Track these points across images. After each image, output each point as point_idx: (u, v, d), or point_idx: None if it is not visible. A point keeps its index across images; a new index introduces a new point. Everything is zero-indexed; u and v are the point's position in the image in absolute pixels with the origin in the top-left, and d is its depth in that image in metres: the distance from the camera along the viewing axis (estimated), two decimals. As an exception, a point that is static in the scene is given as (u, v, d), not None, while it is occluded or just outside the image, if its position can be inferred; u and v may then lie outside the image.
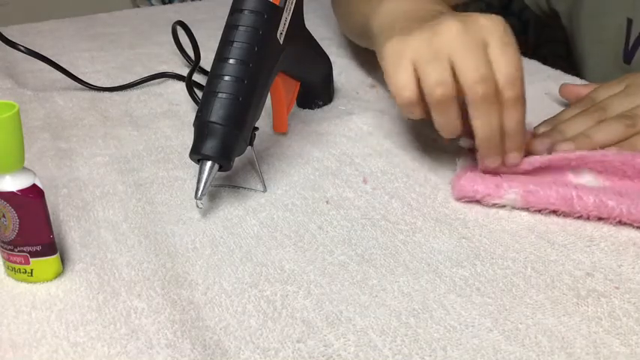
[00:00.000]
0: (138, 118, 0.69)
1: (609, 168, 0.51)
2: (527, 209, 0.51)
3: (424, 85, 0.49)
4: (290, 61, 0.58)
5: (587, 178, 0.52)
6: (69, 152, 0.62)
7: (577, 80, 0.74)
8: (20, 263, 0.44)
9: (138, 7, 1.51)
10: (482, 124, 0.49)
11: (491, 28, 0.49)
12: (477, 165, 0.53)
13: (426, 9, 0.57)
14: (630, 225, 0.49)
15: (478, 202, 0.52)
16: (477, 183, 0.51)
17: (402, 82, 0.50)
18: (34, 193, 0.42)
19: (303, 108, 0.70)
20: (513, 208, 0.51)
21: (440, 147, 0.58)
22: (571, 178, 0.52)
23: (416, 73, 0.50)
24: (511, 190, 0.50)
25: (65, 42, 0.93)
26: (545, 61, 0.79)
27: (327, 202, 0.53)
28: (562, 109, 0.61)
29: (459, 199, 0.52)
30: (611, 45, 0.76)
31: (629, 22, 0.73)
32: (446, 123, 0.51)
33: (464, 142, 0.55)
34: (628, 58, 0.74)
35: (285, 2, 0.55)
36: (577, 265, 0.45)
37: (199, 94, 0.71)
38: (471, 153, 0.54)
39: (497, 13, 0.51)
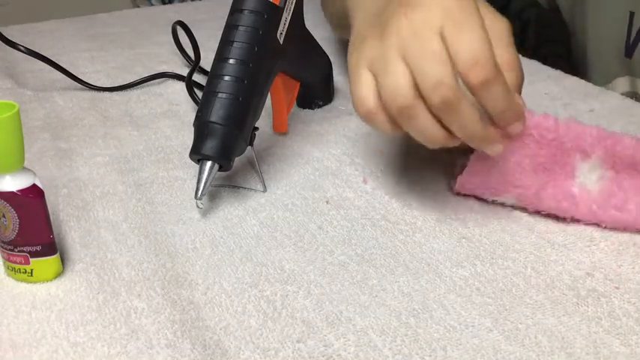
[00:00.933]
0: (138, 118, 0.69)
1: (619, 153, 0.49)
2: (526, 209, 0.51)
3: (383, 98, 0.45)
4: (290, 61, 0.58)
5: (592, 164, 0.50)
6: (69, 152, 0.62)
7: (577, 80, 0.74)
8: (20, 263, 0.44)
9: (138, 7, 1.51)
10: (455, 128, 0.44)
11: (444, 10, 0.43)
12: (478, 160, 0.52)
13: None
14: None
15: (478, 199, 0.52)
16: (477, 177, 0.51)
17: (359, 94, 0.46)
18: (34, 193, 0.42)
19: (303, 108, 0.70)
20: (512, 206, 0.51)
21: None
22: (576, 164, 0.50)
23: (376, 83, 0.45)
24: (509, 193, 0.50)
25: (65, 42, 0.93)
26: (545, 61, 0.78)
27: (327, 202, 0.53)
28: (562, 108, 0.61)
29: (458, 193, 0.52)
30: (613, 39, 0.75)
31: (632, 15, 0.73)
32: (418, 133, 0.45)
33: None
34: (629, 52, 0.74)
35: (285, 2, 0.55)
36: (577, 265, 0.45)
37: (199, 94, 0.71)
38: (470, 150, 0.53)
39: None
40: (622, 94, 0.73)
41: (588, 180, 0.50)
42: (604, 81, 0.76)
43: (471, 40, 0.42)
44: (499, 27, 0.46)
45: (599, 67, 0.80)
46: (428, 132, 0.44)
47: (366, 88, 0.45)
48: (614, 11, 0.75)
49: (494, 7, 0.49)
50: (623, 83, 0.77)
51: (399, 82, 0.43)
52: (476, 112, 0.44)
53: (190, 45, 0.81)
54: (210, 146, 0.51)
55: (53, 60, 0.75)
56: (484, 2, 0.48)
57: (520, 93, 0.47)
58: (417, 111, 0.44)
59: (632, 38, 0.74)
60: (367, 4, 0.52)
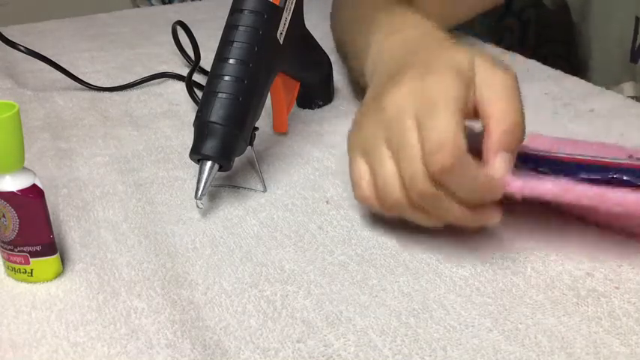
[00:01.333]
0: (138, 118, 0.69)
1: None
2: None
3: (377, 189, 0.45)
4: (290, 61, 0.58)
5: None
6: (69, 152, 0.62)
7: (577, 80, 0.74)
8: (20, 263, 0.44)
9: (138, 7, 1.51)
10: (440, 215, 0.44)
11: (421, 90, 0.43)
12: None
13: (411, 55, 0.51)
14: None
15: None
16: None
17: (356, 180, 0.47)
18: (34, 193, 0.42)
19: (303, 108, 0.70)
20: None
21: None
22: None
23: (370, 171, 0.46)
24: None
25: (65, 42, 0.93)
26: (545, 61, 0.78)
27: (327, 202, 0.53)
28: (562, 108, 0.61)
29: None
30: (618, 43, 0.75)
31: (637, 20, 0.73)
32: (415, 219, 0.46)
33: None
34: (635, 57, 0.74)
35: (285, 2, 0.55)
36: (577, 265, 0.45)
37: (199, 94, 0.71)
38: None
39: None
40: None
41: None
42: (606, 84, 0.76)
43: (436, 126, 0.41)
44: (498, 80, 0.44)
45: (602, 70, 0.80)
46: (419, 221, 0.46)
47: (363, 177, 0.46)
48: (621, 16, 0.75)
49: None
50: (627, 89, 0.77)
51: (388, 177, 0.44)
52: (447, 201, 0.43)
53: (190, 45, 0.81)
54: (210, 146, 0.51)
55: (53, 60, 0.75)
56: (483, 54, 0.46)
57: (514, 150, 0.44)
58: (405, 207, 0.44)
59: (637, 43, 0.73)
60: (375, 82, 0.53)
